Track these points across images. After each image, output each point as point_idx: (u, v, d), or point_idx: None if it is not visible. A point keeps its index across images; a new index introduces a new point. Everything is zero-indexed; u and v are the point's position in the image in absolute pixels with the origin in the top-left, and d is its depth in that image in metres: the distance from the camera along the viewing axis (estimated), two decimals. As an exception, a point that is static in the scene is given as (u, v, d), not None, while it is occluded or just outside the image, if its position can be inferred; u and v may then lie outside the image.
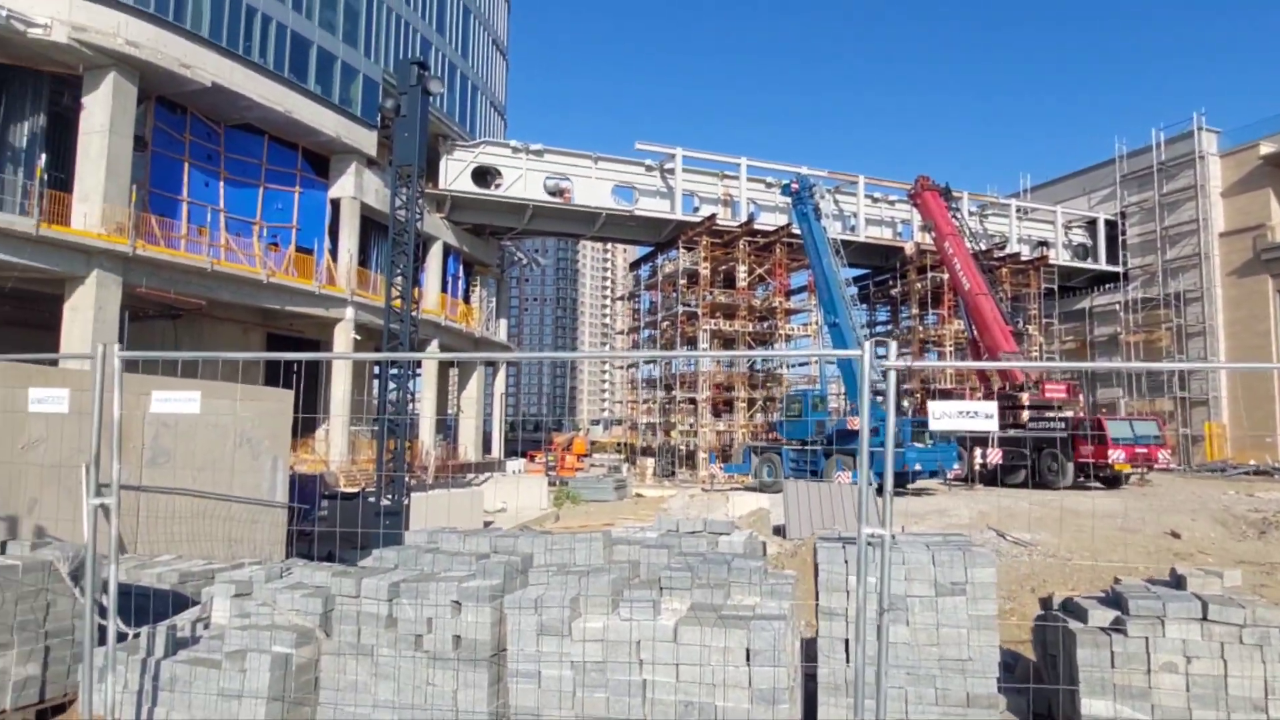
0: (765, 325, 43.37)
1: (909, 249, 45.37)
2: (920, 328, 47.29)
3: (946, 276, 39.72)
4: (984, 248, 44.80)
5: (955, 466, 28.57)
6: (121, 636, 5.59)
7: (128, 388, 5.45)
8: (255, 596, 5.56)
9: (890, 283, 49.20)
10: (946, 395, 40.83)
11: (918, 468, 26.57)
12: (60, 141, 26.82)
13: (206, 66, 28.48)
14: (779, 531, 17.99)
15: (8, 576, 5.67)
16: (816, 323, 40.62)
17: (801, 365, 44.25)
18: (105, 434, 5.14)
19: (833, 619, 5.21)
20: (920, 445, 27.25)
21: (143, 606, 6.28)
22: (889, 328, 51.42)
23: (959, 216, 40.28)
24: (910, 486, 26.69)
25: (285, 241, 33.57)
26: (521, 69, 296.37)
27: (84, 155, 25.80)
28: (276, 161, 33.49)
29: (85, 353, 5.56)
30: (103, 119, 25.75)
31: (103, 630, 5.26)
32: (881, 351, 5.51)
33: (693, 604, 5.21)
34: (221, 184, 31.50)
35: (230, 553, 9.07)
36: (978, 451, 30.42)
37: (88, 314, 24.46)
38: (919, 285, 46.46)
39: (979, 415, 4.54)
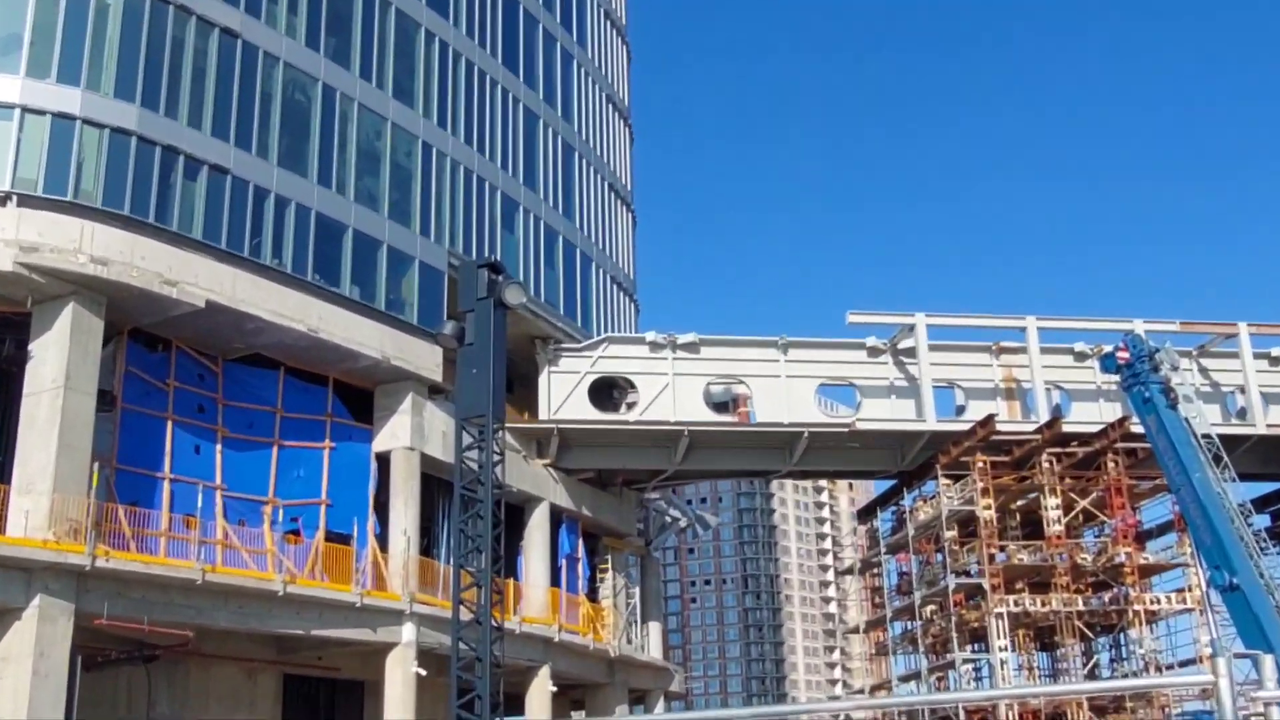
0: (1106, 598, 41.42)
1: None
2: None
3: None
4: None
5: None
6: None
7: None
8: None
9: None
10: None
11: None
12: (-3, 409, 30.29)
13: (199, 280, 31.84)
14: None
15: None
16: (1199, 586, 38.47)
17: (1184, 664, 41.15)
18: None
19: None
20: None
21: None
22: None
23: None
24: None
25: (311, 525, 35.51)
26: (657, 223, 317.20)
27: (28, 426, 29.01)
28: (297, 405, 36.08)
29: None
30: (55, 371, 29.10)
31: None
32: (1252, 675, 5.66)
33: None
34: (219, 447, 34.14)
35: None
36: None
37: (23, 667, 26.17)
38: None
39: None
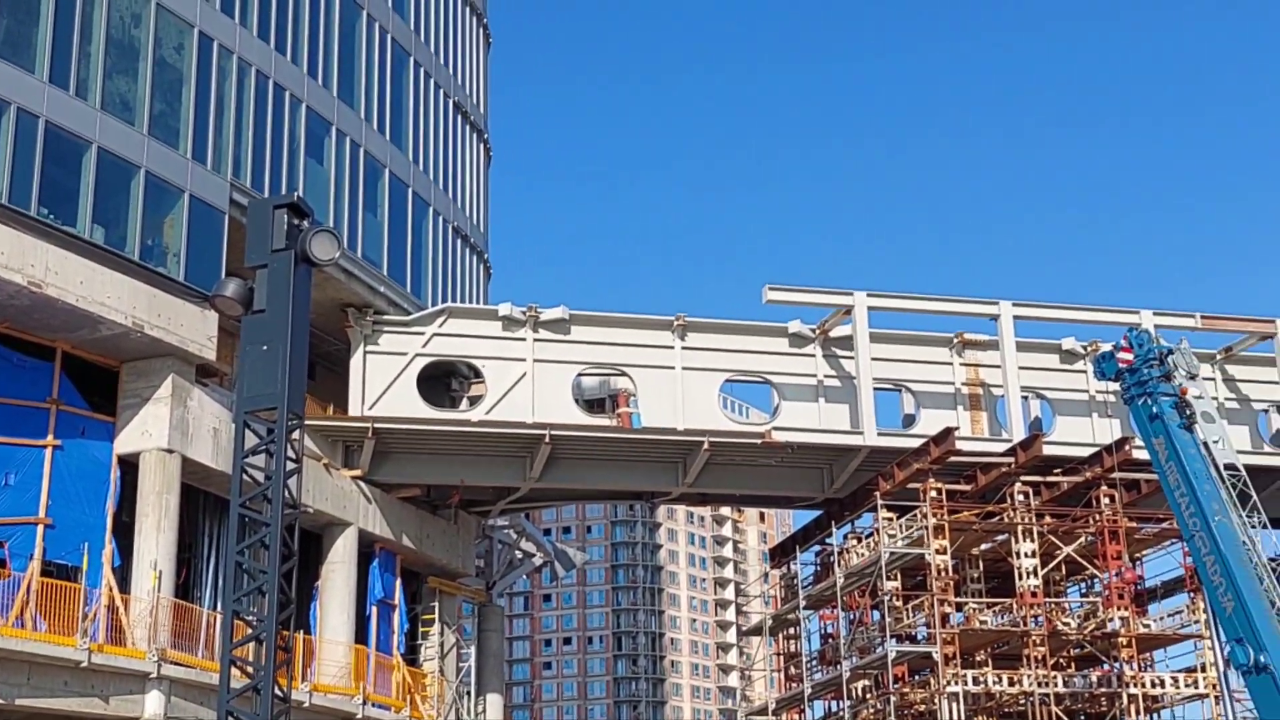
0: (1094, 677, 41.58)
1: None
2: None
3: None
4: None
5: None
6: None
7: None
8: None
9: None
10: None
11: None
12: None
13: None
14: None
15: None
16: (1214, 664, 39.12)
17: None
18: None
19: None
20: None
21: None
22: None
23: None
24: None
25: (22, 553, 35.32)
26: (518, 166, 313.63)
27: None
28: (7, 386, 35.98)
29: None
30: None
31: None
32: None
33: None
34: (-113, 444, 33.49)
35: None
36: None
37: None
38: None
39: None
